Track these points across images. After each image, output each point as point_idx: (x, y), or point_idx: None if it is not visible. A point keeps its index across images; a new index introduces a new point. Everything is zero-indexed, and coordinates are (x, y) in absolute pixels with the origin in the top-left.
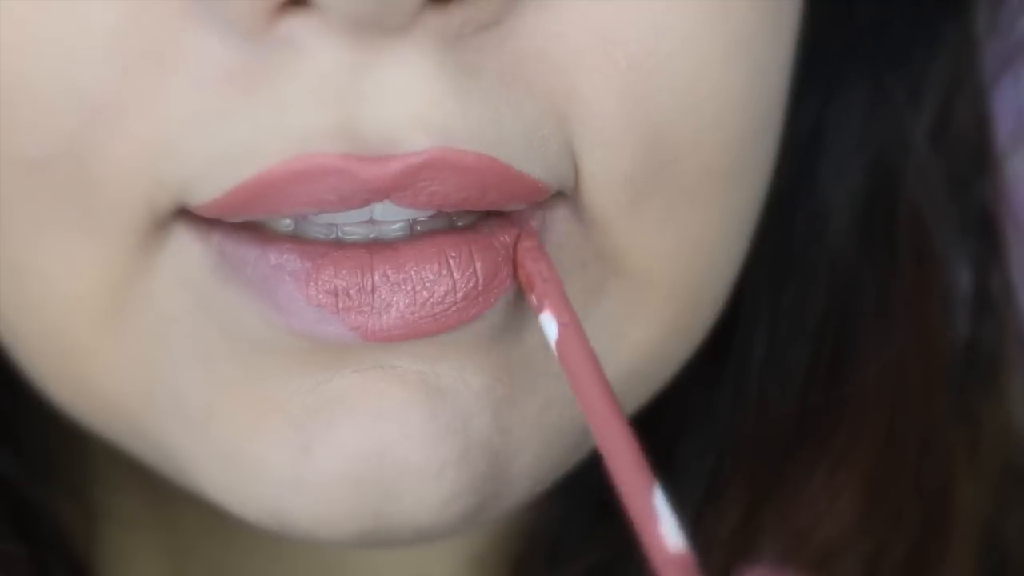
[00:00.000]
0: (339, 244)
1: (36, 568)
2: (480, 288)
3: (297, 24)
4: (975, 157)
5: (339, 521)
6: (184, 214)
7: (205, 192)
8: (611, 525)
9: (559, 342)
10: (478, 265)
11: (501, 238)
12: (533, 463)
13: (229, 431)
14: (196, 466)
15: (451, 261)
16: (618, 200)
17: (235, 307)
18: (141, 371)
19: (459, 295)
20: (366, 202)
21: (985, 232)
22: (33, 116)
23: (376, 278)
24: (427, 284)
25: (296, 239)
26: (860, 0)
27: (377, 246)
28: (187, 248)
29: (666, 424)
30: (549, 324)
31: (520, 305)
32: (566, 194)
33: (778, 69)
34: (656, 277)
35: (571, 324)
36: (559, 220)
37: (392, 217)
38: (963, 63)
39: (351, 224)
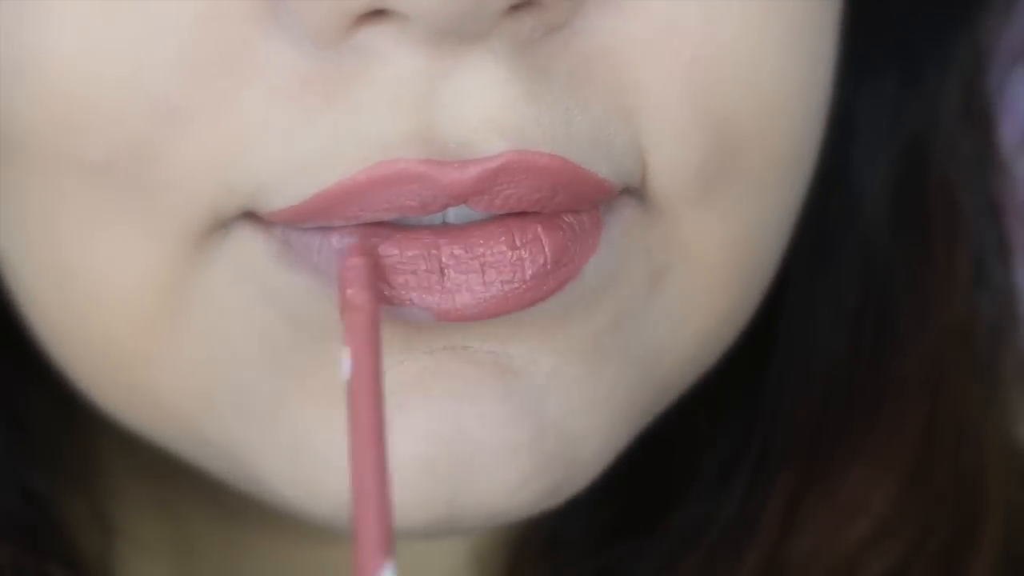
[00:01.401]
0: (402, 226)
1: None
2: (549, 267)
3: (374, 33)
4: (986, 147)
5: (412, 508)
6: (248, 215)
7: (278, 199)
8: (612, 519)
9: (349, 381)
10: (546, 244)
11: (568, 218)
12: (602, 445)
13: (299, 422)
14: (263, 463)
15: (518, 239)
16: (687, 192)
17: (302, 294)
18: (200, 372)
19: (528, 274)
20: (445, 207)
21: (992, 223)
22: (98, 120)
23: (444, 258)
24: (496, 263)
25: (358, 224)
26: None
27: (443, 228)
28: (249, 240)
29: (704, 412)
30: (344, 360)
31: (587, 286)
32: (632, 189)
33: (828, 56)
34: (720, 264)
35: (368, 366)
36: (625, 210)
37: (463, 220)
38: (985, 44)
39: None
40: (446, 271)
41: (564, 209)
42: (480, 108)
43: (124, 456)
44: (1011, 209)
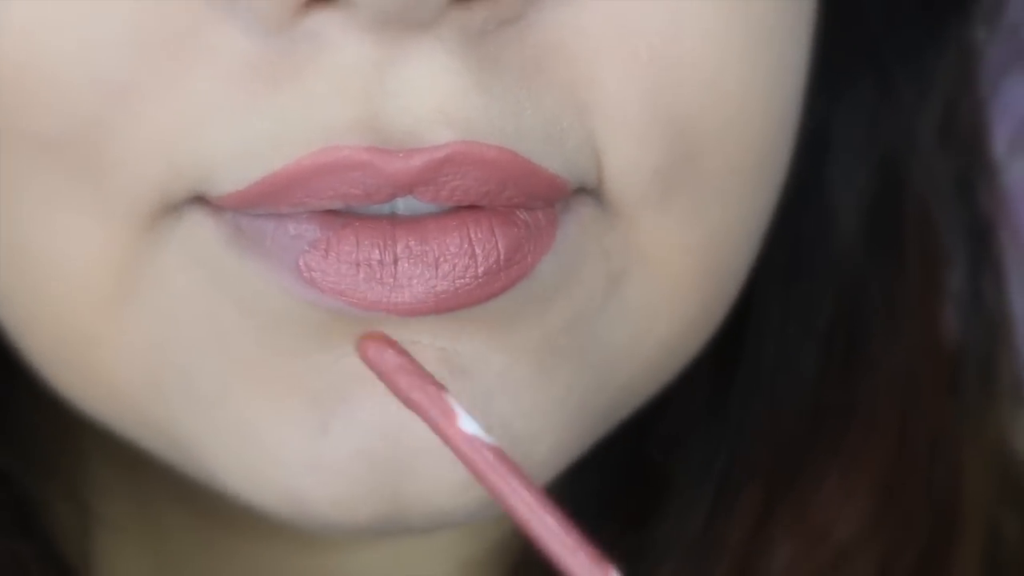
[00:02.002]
0: (359, 215)
1: (37, 567)
2: (502, 263)
3: (322, 19)
4: (975, 160)
5: (356, 502)
6: (198, 200)
7: (226, 183)
8: (611, 524)
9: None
10: (499, 239)
11: (522, 214)
12: (554, 448)
13: (244, 411)
14: (208, 451)
15: (472, 235)
16: (645, 194)
17: (252, 280)
18: (149, 355)
19: (480, 269)
20: (390, 196)
21: (982, 237)
22: (48, 97)
23: (399, 249)
24: (449, 257)
25: (315, 212)
26: None
27: (400, 218)
28: (200, 224)
29: (670, 423)
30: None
31: (541, 285)
32: (588, 189)
33: (798, 67)
34: (681, 271)
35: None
36: (582, 208)
37: (413, 211)
38: (968, 63)
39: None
40: (399, 263)
41: (516, 204)
42: (427, 98)
43: (100, 444)
44: (1002, 221)
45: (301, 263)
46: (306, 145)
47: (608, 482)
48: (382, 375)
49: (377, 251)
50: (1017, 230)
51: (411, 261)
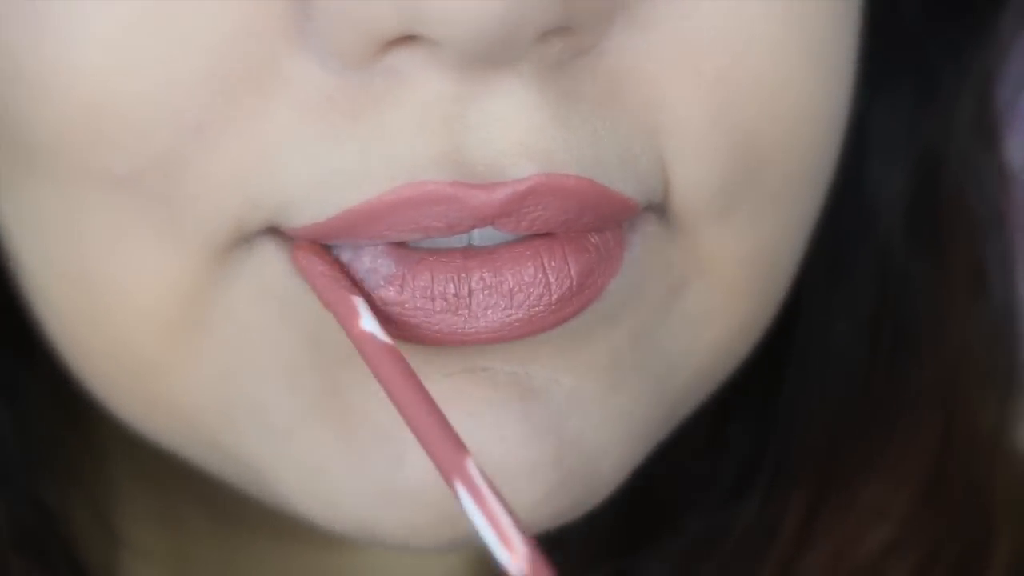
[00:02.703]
0: (433, 250)
1: None
2: (575, 289)
3: (403, 56)
4: (994, 153)
5: (432, 528)
6: (271, 231)
7: (303, 216)
8: (621, 523)
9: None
10: (572, 267)
11: (593, 239)
12: (622, 460)
13: (315, 444)
14: (277, 478)
15: (546, 263)
16: (709, 208)
17: (323, 315)
18: (220, 385)
19: (554, 297)
20: (471, 228)
21: (994, 231)
22: (124, 134)
23: (473, 282)
24: (523, 286)
25: (389, 244)
26: None
27: (472, 251)
28: (271, 258)
29: (721, 423)
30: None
31: (609, 304)
32: (653, 205)
33: (848, 71)
34: (737, 278)
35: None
36: (647, 227)
37: (489, 242)
38: (997, 58)
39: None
40: (474, 295)
41: (590, 229)
42: (509, 132)
43: (127, 464)
44: (1016, 221)
45: (377, 298)
46: (389, 179)
47: (645, 481)
48: (308, 279)
49: (452, 285)
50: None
51: (486, 292)
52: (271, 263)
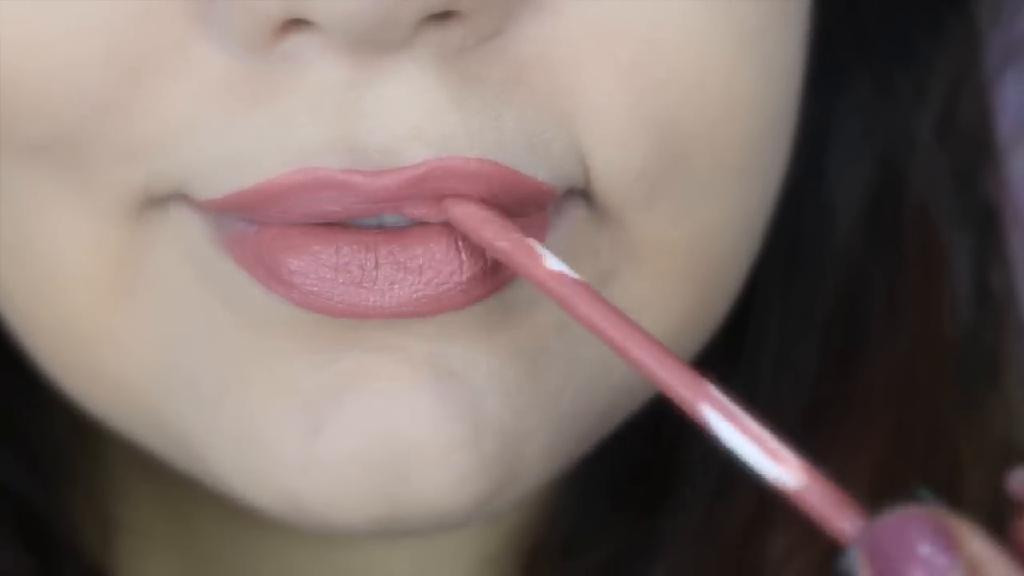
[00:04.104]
0: (346, 226)
1: None
2: (488, 269)
3: (300, 41)
4: (979, 152)
5: (352, 504)
6: (182, 197)
7: (204, 192)
8: (625, 517)
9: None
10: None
11: (519, 219)
12: (547, 447)
13: (241, 411)
14: (211, 452)
15: (460, 242)
16: (631, 194)
17: (237, 278)
18: (155, 353)
19: (465, 276)
20: (373, 213)
21: (987, 227)
22: (33, 108)
23: (381, 256)
24: (433, 264)
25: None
26: None
27: (382, 229)
28: (187, 218)
29: (674, 417)
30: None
31: (527, 285)
32: (577, 191)
33: (789, 66)
34: (671, 269)
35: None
36: (573, 210)
37: (403, 223)
38: (968, 57)
39: None
40: (380, 269)
41: (509, 212)
42: (403, 116)
43: (125, 456)
44: (1006, 211)
45: (283, 268)
46: (282, 164)
47: (619, 474)
48: (469, 231)
49: (360, 256)
50: (1022, 219)
51: (393, 267)
52: (187, 225)
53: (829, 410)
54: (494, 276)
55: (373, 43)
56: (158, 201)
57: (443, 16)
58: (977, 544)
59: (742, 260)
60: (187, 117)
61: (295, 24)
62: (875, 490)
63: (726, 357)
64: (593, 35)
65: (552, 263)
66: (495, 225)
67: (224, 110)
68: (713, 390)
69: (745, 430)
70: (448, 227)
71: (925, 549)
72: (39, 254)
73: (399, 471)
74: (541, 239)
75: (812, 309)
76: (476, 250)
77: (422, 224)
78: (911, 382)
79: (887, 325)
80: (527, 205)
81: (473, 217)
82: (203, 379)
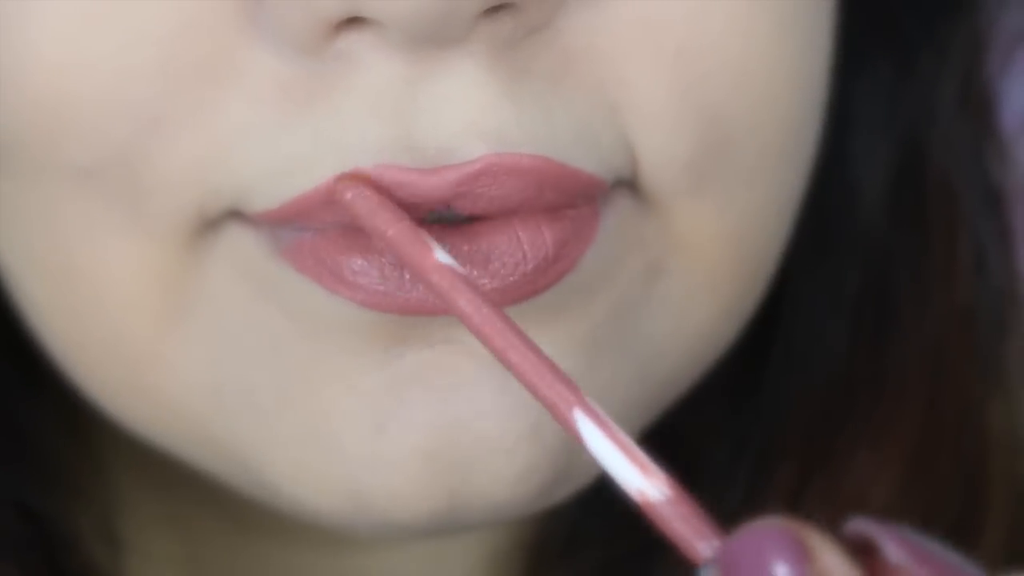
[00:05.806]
0: None
1: None
2: (550, 259)
3: (353, 39)
4: (989, 128)
5: (414, 499)
6: (236, 215)
7: (260, 202)
8: (629, 516)
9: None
10: (547, 236)
11: (569, 212)
12: None
13: (304, 414)
14: (268, 461)
15: (520, 233)
16: (679, 184)
17: (297, 287)
18: (208, 372)
19: (530, 266)
20: (428, 211)
21: (993, 208)
22: (83, 128)
23: (446, 250)
24: (499, 255)
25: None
26: None
27: (446, 224)
28: (240, 237)
29: (708, 404)
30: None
31: (584, 277)
32: (625, 182)
33: (822, 47)
34: (719, 257)
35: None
36: (621, 201)
37: (461, 219)
38: (984, 31)
39: None
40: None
41: (557, 206)
42: (459, 112)
43: (132, 469)
44: (1012, 195)
45: (346, 269)
46: (340, 165)
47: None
48: (359, 218)
49: None
50: None
51: (459, 261)
52: (240, 244)
53: (863, 391)
54: (555, 267)
55: (433, 39)
56: (211, 224)
57: (495, 9)
58: (830, 558)
59: (779, 244)
60: (240, 125)
61: (349, 23)
62: (910, 471)
63: (757, 343)
64: (639, 25)
65: (441, 256)
66: (387, 211)
67: (278, 115)
68: (587, 397)
69: (615, 439)
70: (507, 220)
71: (780, 568)
72: (85, 277)
73: (463, 465)
74: (592, 231)
75: (841, 290)
76: (537, 240)
77: (481, 219)
78: (941, 359)
79: (916, 303)
80: (575, 197)
81: (367, 201)
82: (260, 389)
